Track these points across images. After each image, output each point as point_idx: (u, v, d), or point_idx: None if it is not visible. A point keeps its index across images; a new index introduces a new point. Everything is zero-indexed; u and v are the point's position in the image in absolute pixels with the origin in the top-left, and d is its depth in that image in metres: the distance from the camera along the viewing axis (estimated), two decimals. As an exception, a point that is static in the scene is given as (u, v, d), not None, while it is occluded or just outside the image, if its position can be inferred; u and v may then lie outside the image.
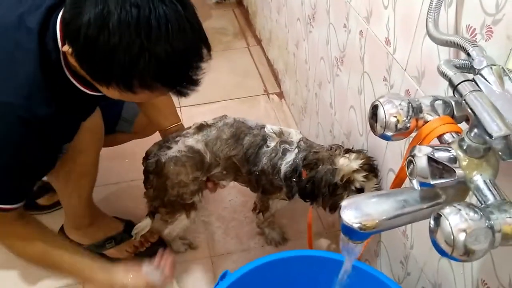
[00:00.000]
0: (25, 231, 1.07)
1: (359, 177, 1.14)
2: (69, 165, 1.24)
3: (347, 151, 1.18)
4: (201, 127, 1.30)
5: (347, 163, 1.14)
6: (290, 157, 1.24)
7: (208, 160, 1.28)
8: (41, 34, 0.91)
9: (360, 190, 1.15)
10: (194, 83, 0.89)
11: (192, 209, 1.34)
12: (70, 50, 0.85)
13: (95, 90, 0.96)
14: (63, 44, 0.90)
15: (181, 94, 0.90)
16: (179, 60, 0.83)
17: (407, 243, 1.13)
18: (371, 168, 1.17)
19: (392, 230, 1.16)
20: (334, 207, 1.20)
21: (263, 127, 1.30)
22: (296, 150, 1.24)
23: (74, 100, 0.99)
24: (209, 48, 0.90)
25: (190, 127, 1.33)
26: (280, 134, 1.28)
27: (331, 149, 1.21)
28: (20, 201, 1.02)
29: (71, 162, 1.23)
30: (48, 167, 1.08)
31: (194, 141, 1.28)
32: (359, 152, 1.18)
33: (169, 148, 1.28)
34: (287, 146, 1.25)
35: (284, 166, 1.23)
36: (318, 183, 1.16)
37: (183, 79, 0.88)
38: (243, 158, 1.27)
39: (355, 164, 1.13)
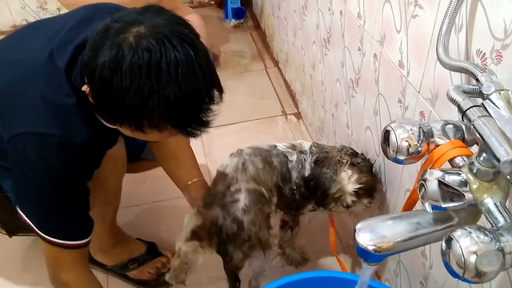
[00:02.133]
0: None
1: (349, 200, 1.21)
2: (92, 192, 1.27)
3: (353, 164, 1.22)
4: (239, 168, 1.25)
5: (346, 182, 1.19)
6: (307, 165, 1.28)
7: (266, 193, 1.25)
8: (68, 72, 0.96)
9: (347, 207, 1.23)
10: (204, 124, 0.91)
11: (268, 247, 1.27)
12: (88, 89, 0.90)
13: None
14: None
15: (191, 135, 0.92)
16: (188, 102, 0.86)
17: (426, 263, 1.13)
18: (367, 192, 1.23)
19: (411, 250, 1.16)
20: (323, 206, 1.28)
21: (275, 146, 1.32)
22: (310, 155, 1.29)
23: (98, 131, 1.03)
24: (221, 91, 0.92)
25: (222, 173, 1.26)
26: (293, 146, 1.31)
27: (342, 149, 1.27)
28: (85, 237, 1.09)
29: (94, 189, 1.26)
30: (87, 194, 1.10)
31: (245, 182, 1.23)
32: (362, 171, 1.22)
33: (236, 201, 1.21)
34: (304, 156, 1.29)
35: (306, 174, 1.27)
36: (318, 183, 1.23)
37: (193, 120, 0.90)
38: (283, 180, 1.28)
39: (352, 187, 1.19)
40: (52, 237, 1.04)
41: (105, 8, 1.08)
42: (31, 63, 0.99)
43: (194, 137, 0.93)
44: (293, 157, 1.29)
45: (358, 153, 1.28)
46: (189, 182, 1.33)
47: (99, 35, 0.86)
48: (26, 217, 1.04)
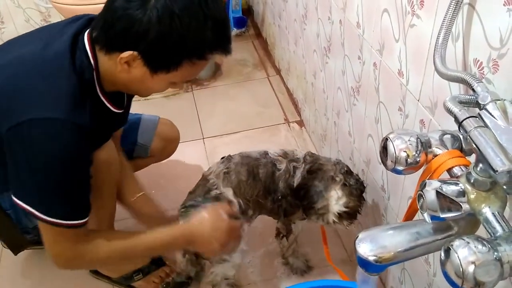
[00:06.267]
0: (94, 243, 1.10)
1: (331, 219, 1.23)
2: None
3: (345, 185, 1.23)
4: (220, 176, 1.29)
5: (334, 202, 1.21)
6: (299, 173, 1.27)
7: (242, 205, 1.27)
8: (72, 54, 0.99)
9: (327, 223, 1.25)
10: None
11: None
12: (135, 53, 0.94)
13: (119, 108, 1.12)
14: (95, 61, 1.00)
15: (230, 51, 1.03)
16: (227, 22, 1.01)
17: (430, 271, 1.13)
18: (350, 216, 1.24)
19: (415, 258, 1.17)
20: (306, 215, 1.29)
21: (266, 153, 1.33)
22: (303, 164, 1.28)
23: (101, 115, 1.07)
24: None
25: (205, 178, 1.31)
26: (285, 154, 1.32)
27: (337, 163, 1.27)
28: (86, 216, 1.06)
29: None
30: (89, 177, 1.09)
31: (226, 190, 1.27)
32: (351, 194, 1.23)
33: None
34: (295, 164, 1.29)
35: (296, 183, 1.26)
36: (307, 193, 1.24)
37: (230, 39, 1.02)
38: (264, 192, 1.29)
39: (337, 208, 1.21)
40: (54, 218, 1.01)
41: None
42: (27, 56, 1.01)
43: (230, 53, 1.03)
44: (282, 166, 1.29)
45: (353, 173, 1.28)
46: (132, 198, 1.32)
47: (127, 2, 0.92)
48: (26, 203, 1.00)
